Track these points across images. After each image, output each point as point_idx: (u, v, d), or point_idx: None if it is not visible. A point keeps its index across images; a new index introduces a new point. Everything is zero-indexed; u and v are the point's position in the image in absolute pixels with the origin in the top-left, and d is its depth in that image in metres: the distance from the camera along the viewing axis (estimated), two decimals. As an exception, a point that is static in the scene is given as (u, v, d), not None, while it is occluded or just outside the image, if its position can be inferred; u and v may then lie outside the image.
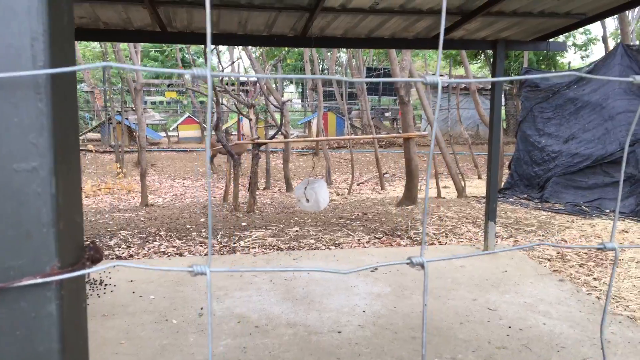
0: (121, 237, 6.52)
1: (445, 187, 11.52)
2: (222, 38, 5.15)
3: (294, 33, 5.29)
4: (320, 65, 32.72)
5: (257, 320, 3.96)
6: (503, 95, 22.69)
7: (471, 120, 22.16)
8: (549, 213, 7.82)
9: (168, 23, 4.88)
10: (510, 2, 4.54)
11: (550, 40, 5.50)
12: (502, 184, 10.05)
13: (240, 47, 15.16)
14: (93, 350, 3.48)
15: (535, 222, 7.23)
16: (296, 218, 7.72)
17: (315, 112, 19.75)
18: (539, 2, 4.56)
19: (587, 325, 3.85)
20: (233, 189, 8.78)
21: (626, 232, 6.58)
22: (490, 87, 5.73)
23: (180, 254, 5.84)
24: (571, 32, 23.28)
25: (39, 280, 0.49)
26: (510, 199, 8.90)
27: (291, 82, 37.14)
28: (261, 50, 16.72)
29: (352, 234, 6.65)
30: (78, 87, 28.47)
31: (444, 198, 9.72)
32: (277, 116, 13.60)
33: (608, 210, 7.74)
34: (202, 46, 10.40)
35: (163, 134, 22.71)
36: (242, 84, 22.53)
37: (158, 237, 6.50)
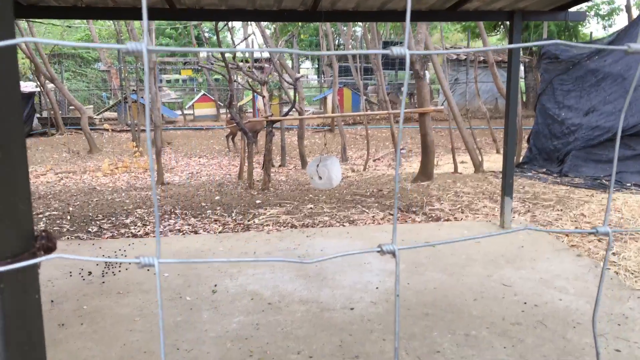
0: (137, 216, 6.58)
1: (462, 162, 11.39)
2: (231, 14, 5.07)
3: (304, 7, 5.19)
4: (337, 41, 32.33)
5: (270, 297, 3.98)
6: (522, 68, 22.23)
7: (490, 93, 21.79)
8: (568, 187, 7.70)
9: (177, 0, 4.82)
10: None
11: (570, 9, 5.33)
12: (521, 158, 9.89)
13: (254, 24, 15.02)
14: (108, 327, 3.53)
15: (553, 196, 7.12)
16: (310, 195, 7.71)
17: (331, 88, 19.59)
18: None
19: (604, 301, 3.79)
20: (247, 166, 8.78)
21: (647, 206, 6.44)
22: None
23: (195, 232, 5.88)
24: (594, 1, 22.58)
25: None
26: (529, 174, 8.77)
27: (307, 58, 36.81)
28: (274, 25, 16.57)
29: (367, 211, 6.62)
30: (95, 66, 28.56)
31: (460, 173, 9.61)
32: (291, 93, 13.50)
33: (629, 184, 7.58)
34: (214, 24, 10.30)
35: (179, 112, 22.76)
36: (256, 60, 22.40)
37: (173, 215, 6.55)
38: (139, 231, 5.91)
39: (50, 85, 17.43)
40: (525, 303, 3.80)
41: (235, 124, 10.01)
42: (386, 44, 24.83)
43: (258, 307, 3.79)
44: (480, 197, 7.22)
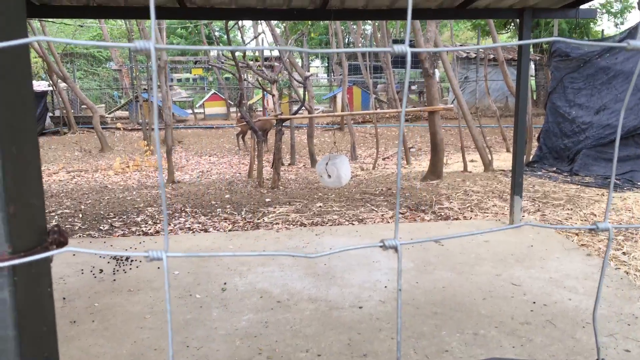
0: (148, 214, 6.62)
1: (472, 160, 11.35)
2: (241, 12, 5.09)
3: (314, 6, 5.20)
4: (347, 39, 32.30)
5: (279, 295, 3.99)
6: (533, 66, 22.04)
7: (500, 92, 21.67)
8: (579, 186, 7.64)
9: (187, -1, 4.85)
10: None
11: (581, 7, 5.29)
12: (531, 157, 9.84)
13: (264, 23, 15.03)
14: (119, 324, 3.56)
15: (563, 195, 7.07)
16: (320, 194, 7.72)
17: (340, 87, 19.58)
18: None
19: (614, 301, 3.76)
20: (257, 165, 8.80)
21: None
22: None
23: (205, 230, 5.91)
24: (606, -1, 22.36)
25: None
26: (539, 172, 8.72)
27: (317, 57, 36.79)
28: (284, 24, 16.56)
29: (376, 210, 6.62)
30: (106, 65, 28.75)
31: (470, 172, 9.58)
32: (301, 91, 13.52)
33: (640, 183, 7.52)
34: (224, 23, 10.33)
35: (190, 111, 22.84)
36: (267, 59, 22.43)
37: (184, 214, 6.58)
38: (149, 229, 5.95)
39: (62, 85, 17.57)
40: (534, 302, 3.79)
41: (245, 123, 10.04)
42: (396, 42, 24.79)
43: (267, 305, 3.81)
44: (490, 196, 7.20)
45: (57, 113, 19.44)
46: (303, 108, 9.86)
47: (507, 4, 5.30)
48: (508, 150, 12.83)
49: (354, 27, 19.12)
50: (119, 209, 6.95)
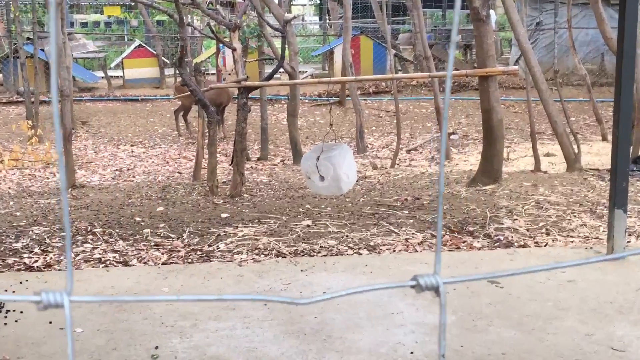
0: (34, 237, 6.62)
1: (547, 154, 11.41)
2: None
3: None
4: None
5: (243, 366, 3.99)
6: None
7: (592, 46, 21.80)
8: None
9: None
10: None
11: None
12: (640, 149, 9.91)
13: None
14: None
15: (691, 210, 7.13)
16: (307, 206, 7.73)
17: (340, 36, 19.57)
18: None
19: None
20: (208, 160, 8.80)
21: None
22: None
23: (126, 263, 5.90)
24: None
25: None
26: (653, 174, 8.78)
27: (302, -11, 36.97)
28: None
29: (396, 231, 6.65)
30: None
31: (545, 172, 9.62)
32: (278, 44, 13.51)
33: None
34: None
35: (101, 74, 22.84)
36: (224, -7, 22.48)
37: (91, 237, 6.58)
38: (35, 261, 5.93)
39: None
40: (646, 378, 3.81)
41: (189, 93, 10.03)
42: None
43: (224, 382, 3.81)
44: (577, 211, 7.23)
45: None
46: (281, 70, 9.85)
47: None
48: (605, 139, 12.91)
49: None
50: (-13, 229, 6.93)
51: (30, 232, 6.78)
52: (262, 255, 6.00)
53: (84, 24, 32.66)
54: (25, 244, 6.42)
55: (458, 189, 8.35)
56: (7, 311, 4.78)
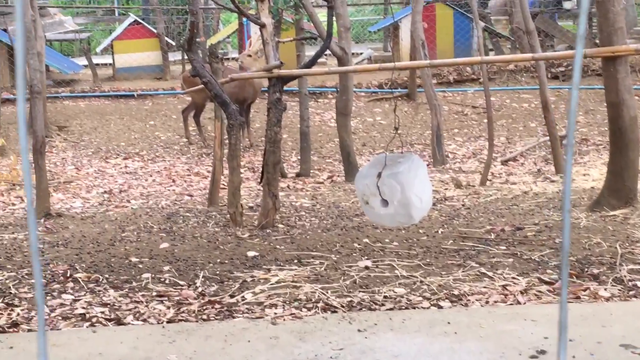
0: (-6, 285, 6.66)
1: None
2: None
3: None
4: None
5: None
6: None
7: None
8: None
9: None
10: None
11: None
12: None
13: None
14: None
15: None
16: (366, 240, 7.69)
17: (408, 5, 19.49)
18: None
19: None
20: (229, 177, 8.80)
21: None
22: None
23: (119, 321, 5.90)
24: None
25: None
26: None
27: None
28: None
29: (490, 274, 6.58)
30: None
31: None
32: (322, 17, 13.52)
33: None
34: None
35: (83, 61, 23.03)
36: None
37: (71, 285, 6.59)
38: (-3, 319, 5.96)
39: None
40: None
41: (202, 86, 10.04)
42: None
43: None
44: None
45: None
46: (328, 53, 9.85)
47: None
48: None
49: None
50: None
51: (-10, 279, 6.83)
52: (304, 309, 5.96)
53: (60, -5, 32.99)
54: (-17, 295, 6.47)
55: (576, 215, 8.23)
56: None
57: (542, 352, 5.01)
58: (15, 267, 7.15)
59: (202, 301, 6.19)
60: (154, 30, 22.16)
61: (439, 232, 7.92)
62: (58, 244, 7.96)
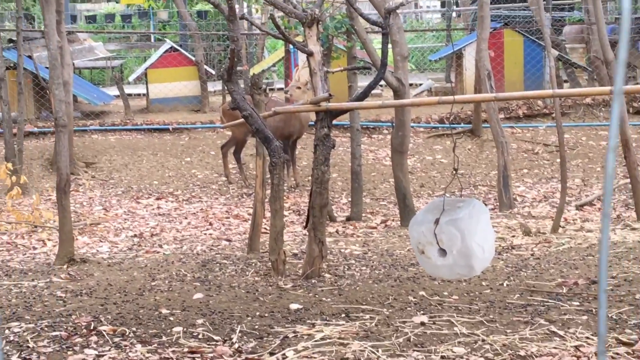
0: (11, 339, 6.68)
1: None
2: None
3: None
4: None
5: None
6: None
7: None
8: None
9: None
10: None
11: None
12: None
13: None
14: None
15: None
16: (422, 293, 7.67)
17: (473, 31, 19.50)
18: None
19: None
20: (271, 220, 8.81)
21: None
22: None
23: (147, 382, 5.91)
24: None
25: None
26: None
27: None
28: None
29: (561, 333, 6.53)
30: None
31: None
32: (377, 44, 13.57)
33: None
34: None
35: (114, 91, 23.18)
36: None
37: (95, 338, 6.60)
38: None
39: None
40: None
41: (242, 120, 10.09)
42: None
43: None
44: None
45: None
46: (383, 84, 9.87)
47: None
48: None
49: None
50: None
51: (7, 331, 6.84)
52: (352, 369, 5.95)
53: (91, 18, 33.36)
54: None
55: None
56: None
57: None
58: (34, 319, 7.17)
59: (239, 359, 6.19)
60: (192, 58, 22.24)
61: (504, 284, 7.87)
62: (82, 292, 7.99)
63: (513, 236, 10.70)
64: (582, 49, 22.53)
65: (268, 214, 9.15)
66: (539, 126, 18.32)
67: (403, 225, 11.43)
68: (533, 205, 13.25)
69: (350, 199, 12.94)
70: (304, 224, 9.65)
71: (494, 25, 19.98)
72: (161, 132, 19.15)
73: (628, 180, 12.22)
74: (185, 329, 6.78)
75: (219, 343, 6.49)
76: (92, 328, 6.83)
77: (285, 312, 7.15)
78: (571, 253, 9.42)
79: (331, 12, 13.82)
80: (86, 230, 12.12)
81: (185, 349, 6.39)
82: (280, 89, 21.25)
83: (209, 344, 6.47)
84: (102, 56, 24.74)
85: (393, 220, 12.26)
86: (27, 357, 6.33)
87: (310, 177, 8.99)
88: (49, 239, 11.46)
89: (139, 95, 22.94)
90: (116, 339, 6.60)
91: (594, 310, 7.03)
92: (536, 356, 6.14)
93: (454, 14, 28.65)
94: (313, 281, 8.12)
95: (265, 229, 9.88)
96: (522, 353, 6.19)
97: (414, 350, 6.27)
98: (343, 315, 7.04)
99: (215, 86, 22.73)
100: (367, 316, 6.99)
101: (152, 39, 29.29)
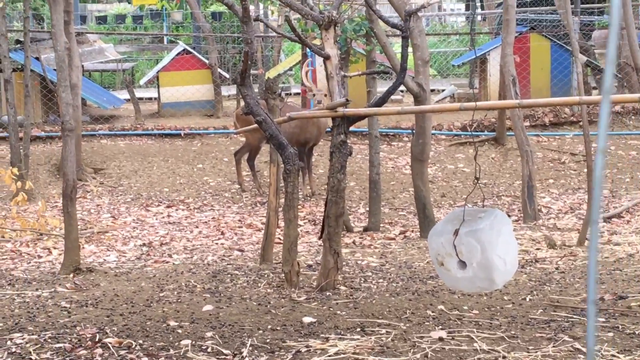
0: (12, 350, 6.68)
1: None
2: None
3: None
4: None
5: None
6: None
7: None
8: None
9: None
10: None
11: None
12: None
13: None
14: None
15: None
16: (441, 307, 7.65)
17: (498, 35, 19.45)
18: None
19: None
20: (285, 230, 8.79)
21: None
22: None
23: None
24: None
25: None
26: None
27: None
28: None
29: (584, 349, 6.48)
30: None
31: None
32: (397, 48, 13.53)
33: None
34: None
35: (125, 94, 23.18)
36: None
37: (100, 351, 6.59)
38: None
39: None
40: None
41: (256, 125, 10.08)
42: None
43: None
44: None
45: None
46: (402, 89, 9.86)
47: None
48: None
49: None
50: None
51: (9, 343, 6.85)
52: (367, 386, 5.94)
53: (101, 19, 33.43)
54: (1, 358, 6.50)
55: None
56: None
57: None
58: (37, 329, 7.17)
59: (249, 374, 6.19)
60: (206, 61, 22.20)
61: (527, 299, 7.84)
62: (87, 303, 7.99)
63: (537, 249, 10.66)
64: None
65: (282, 224, 9.13)
66: (566, 135, 18.27)
67: (422, 236, 11.40)
68: (559, 217, 13.20)
69: (368, 209, 12.91)
70: (319, 234, 9.63)
71: (519, 29, 19.95)
72: (173, 137, 19.16)
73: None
74: (194, 342, 6.77)
75: (228, 357, 6.47)
76: (97, 340, 6.82)
77: (298, 326, 7.14)
78: (598, 267, 9.37)
79: (350, 14, 13.82)
80: (93, 238, 12.12)
81: (194, 362, 6.40)
82: (297, 94, 21.20)
83: (218, 358, 6.46)
84: (112, 58, 24.74)
85: (412, 231, 12.24)
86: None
87: (325, 186, 8.96)
88: (54, 247, 11.46)
89: (150, 99, 22.94)
90: (122, 352, 6.59)
91: (620, 327, 7.00)
92: (558, 374, 6.13)
93: (478, 17, 28.58)
94: (328, 294, 8.11)
95: (278, 239, 9.87)
96: (544, 371, 6.18)
97: (429, 367, 6.27)
98: (358, 329, 7.02)
99: (229, 90, 22.65)
100: (384, 331, 6.97)
101: (165, 41, 29.26)
